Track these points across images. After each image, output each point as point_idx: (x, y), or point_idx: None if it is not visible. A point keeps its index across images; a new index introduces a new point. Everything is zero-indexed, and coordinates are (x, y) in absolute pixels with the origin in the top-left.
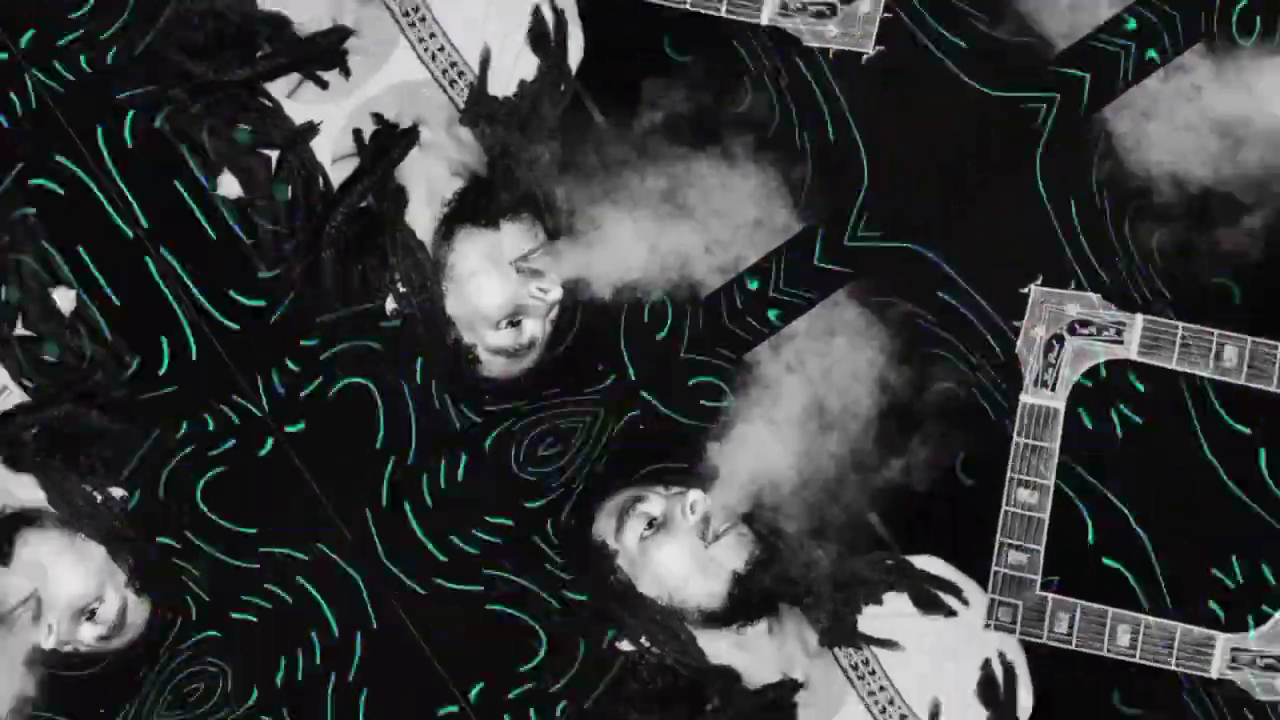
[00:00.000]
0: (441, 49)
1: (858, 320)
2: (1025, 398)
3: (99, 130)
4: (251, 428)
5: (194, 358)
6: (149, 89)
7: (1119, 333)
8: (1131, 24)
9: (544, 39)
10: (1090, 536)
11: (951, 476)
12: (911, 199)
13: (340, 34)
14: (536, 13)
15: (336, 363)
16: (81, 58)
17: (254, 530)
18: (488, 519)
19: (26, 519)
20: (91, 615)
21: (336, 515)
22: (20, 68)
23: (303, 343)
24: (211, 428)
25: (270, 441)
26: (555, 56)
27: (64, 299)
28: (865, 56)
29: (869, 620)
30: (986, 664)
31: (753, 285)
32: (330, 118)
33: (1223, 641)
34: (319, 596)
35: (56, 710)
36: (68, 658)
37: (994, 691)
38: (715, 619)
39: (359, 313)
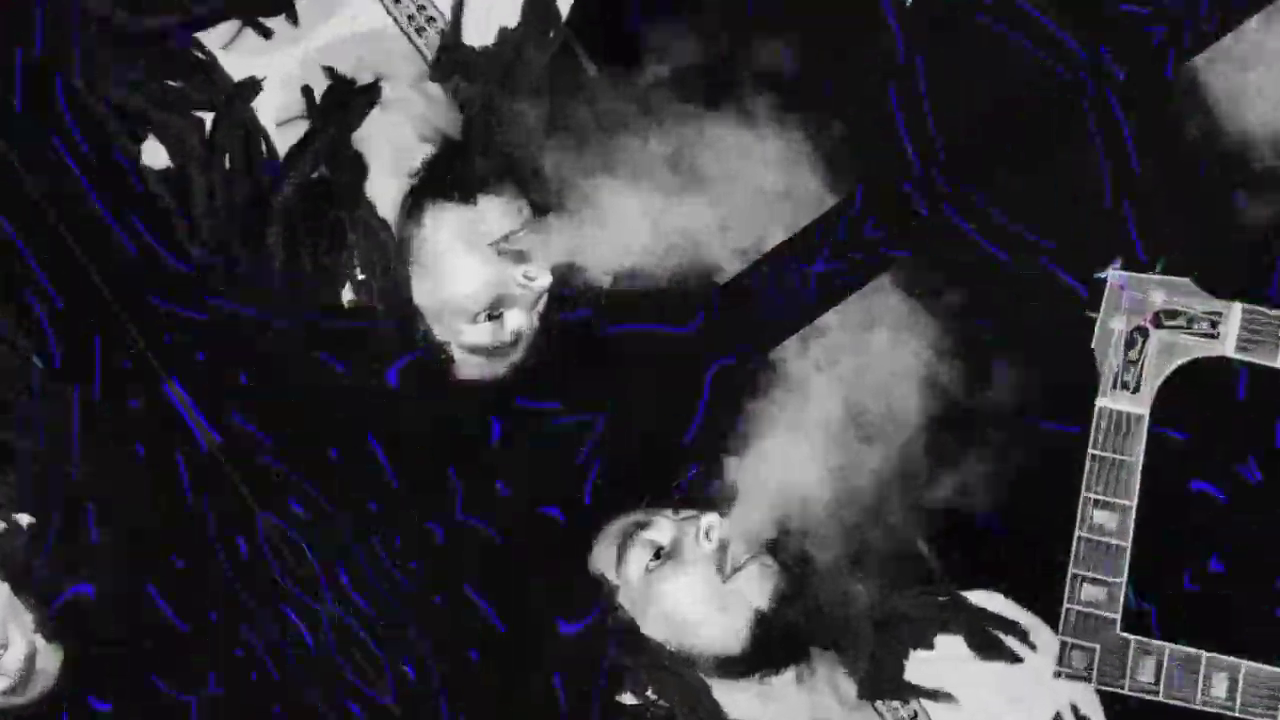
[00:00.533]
0: None
1: (901, 309)
2: (1102, 402)
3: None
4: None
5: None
6: (59, 36)
7: (1213, 325)
8: None
9: None
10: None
11: (1015, 496)
12: (965, 166)
13: None
14: None
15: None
16: None
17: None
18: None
19: None
20: None
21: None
22: None
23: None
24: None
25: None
26: None
27: None
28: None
29: (917, 667)
30: (1057, 719)
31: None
32: (274, 72)
33: None
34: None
35: None
36: None
37: None
38: (734, 666)
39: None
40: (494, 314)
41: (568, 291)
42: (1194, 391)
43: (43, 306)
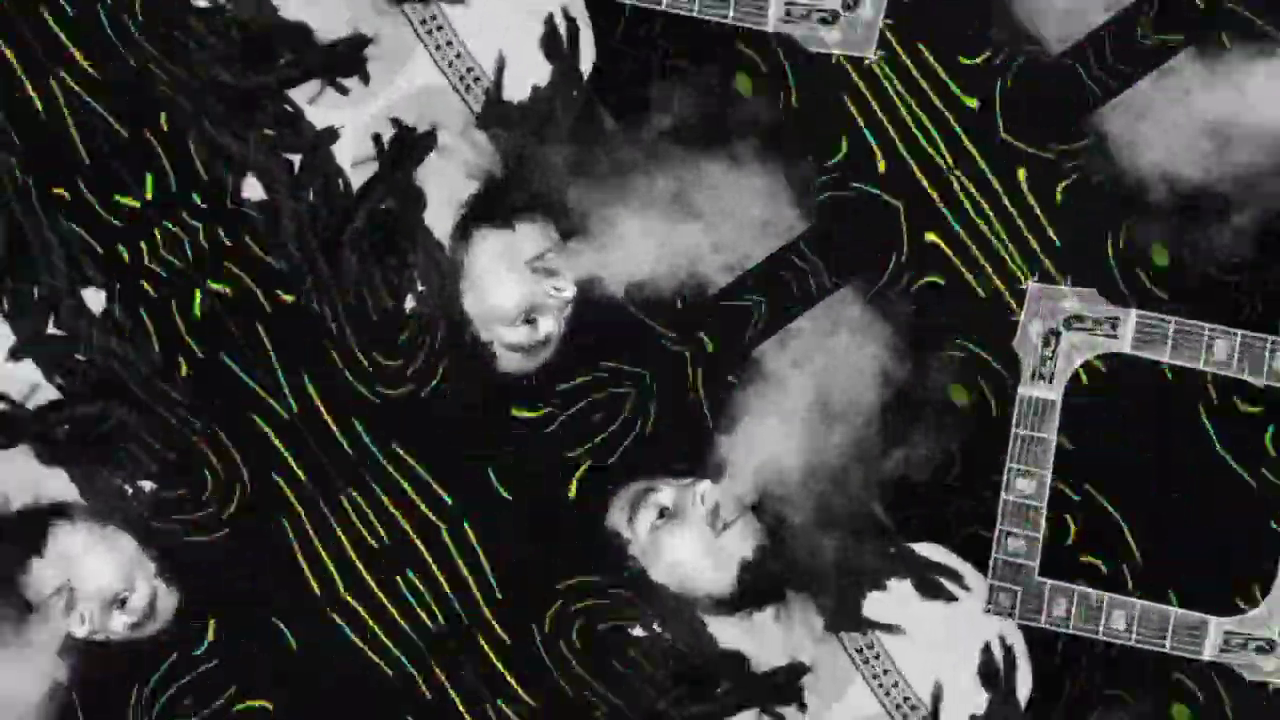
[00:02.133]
0: (458, 56)
1: (861, 317)
2: (1023, 390)
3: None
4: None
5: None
6: (179, 96)
7: (1114, 327)
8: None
9: (557, 46)
10: (1072, 530)
11: (953, 467)
12: (912, 199)
13: (359, 42)
14: (550, 21)
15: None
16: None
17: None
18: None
19: (58, 511)
20: (123, 604)
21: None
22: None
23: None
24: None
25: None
26: (568, 63)
27: (94, 299)
28: (867, 61)
29: (873, 606)
30: (987, 648)
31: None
32: (350, 123)
33: (1215, 625)
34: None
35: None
36: (100, 645)
37: (994, 674)
38: (724, 605)
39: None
40: (529, 319)
41: (593, 299)
42: (1098, 380)
43: (158, 314)
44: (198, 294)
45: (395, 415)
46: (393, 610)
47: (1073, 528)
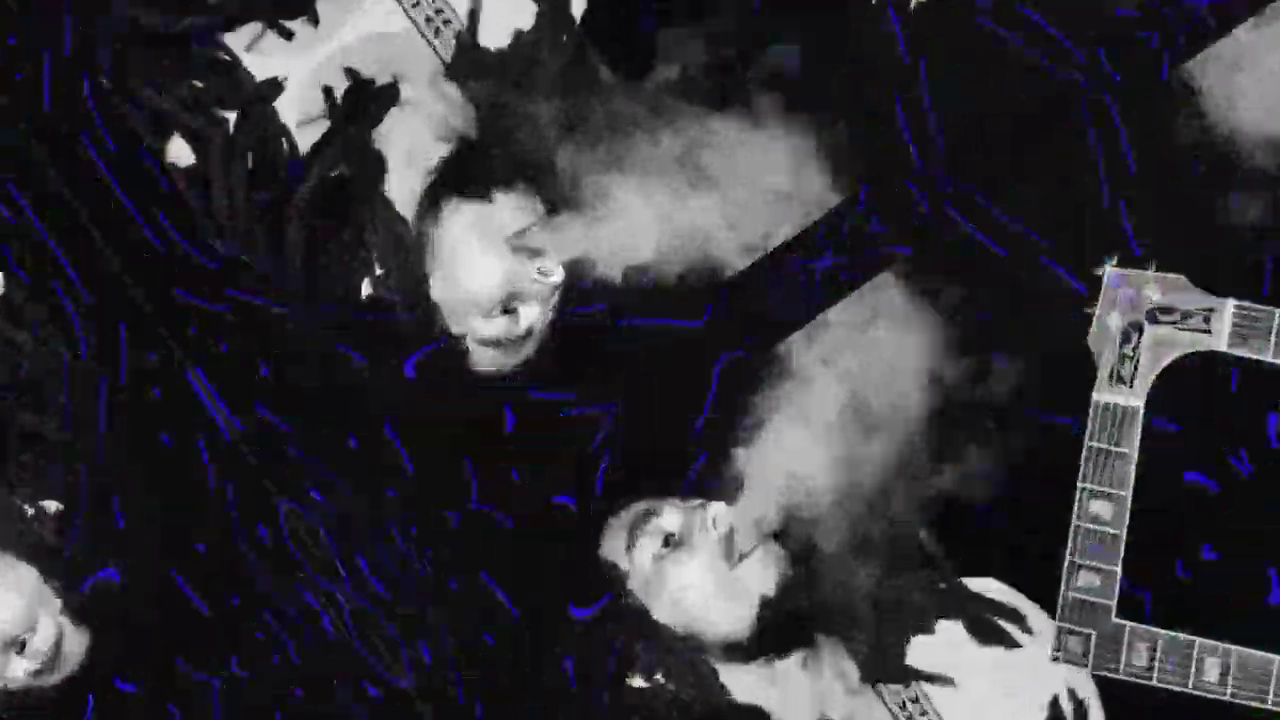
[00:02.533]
0: None
1: (904, 305)
2: (1098, 395)
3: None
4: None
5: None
6: (85, 34)
7: (1206, 320)
8: None
9: None
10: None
11: (1014, 486)
12: (966, 166)
13: None
14: None
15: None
16: None
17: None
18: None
19: None
20: (22, 648)
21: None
22: None
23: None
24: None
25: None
26: (556, 2)
27: None
28: (911, 3)
29: (918, 652)
30: (1054, 702)
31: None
32: (295, 73)
33: None
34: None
35: None
36: None
37: None
38: (740, 650)
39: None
40: (508, 308)
41: (583, 285)
42: (1188, 385)
43: (71, 300)
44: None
45: (351, 422)
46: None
47: None
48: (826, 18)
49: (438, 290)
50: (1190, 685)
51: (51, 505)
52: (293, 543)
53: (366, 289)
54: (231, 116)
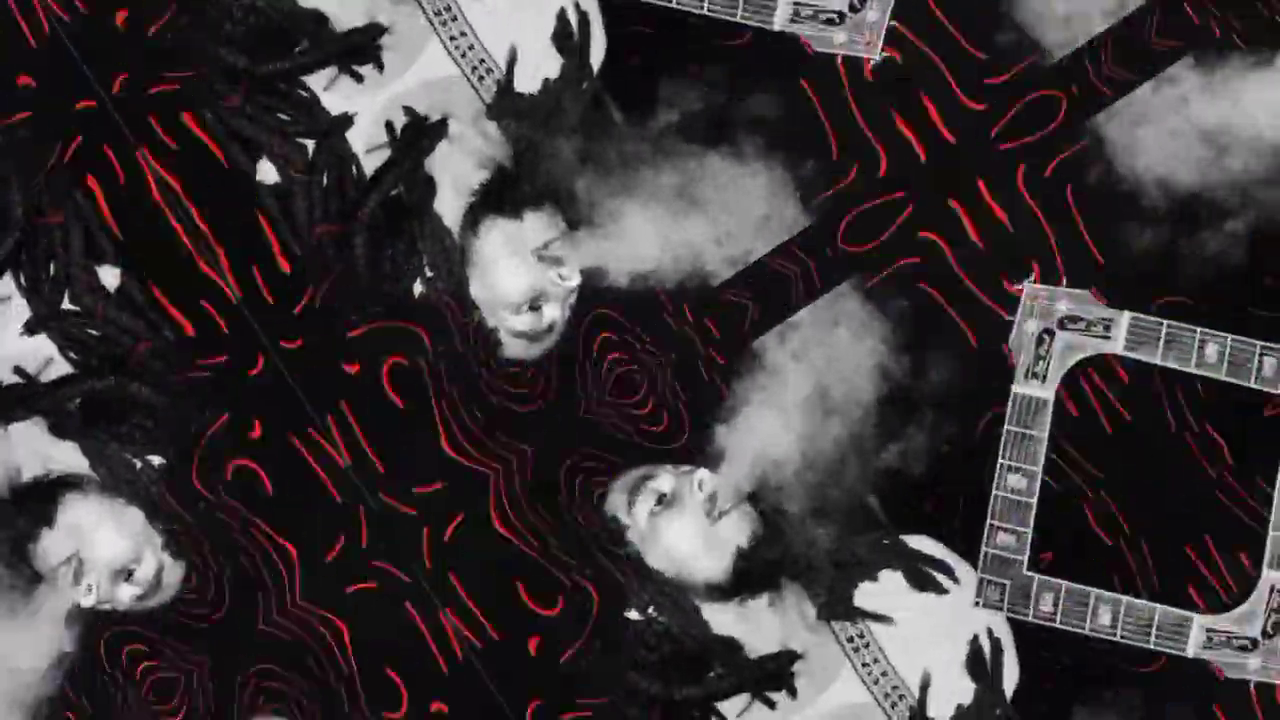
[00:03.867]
0: (471, 47)
1: (860, 312)
2: (1017, 388)
3: (144, 116)
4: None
5: (230, 335)
6: (194, 77)
7: (1107, 328)
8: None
9: (568, 40)
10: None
11: (946, 462)
12: (912, 199)
13: (375, 30)
14: (562, 15)
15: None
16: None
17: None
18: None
19: (69, 483)
20: (129, 576)
21: (366, 491)
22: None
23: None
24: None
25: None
26: (578, 56)
27: (109, 276)
28: (871, 62)
29: (865, 596)
30: (975, 640)
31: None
32: (364, 110)
33: (1198, 622)
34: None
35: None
36: (106, 615)
37: (981, 666)
38: (719, 592)
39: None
40: (534, 306)
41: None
42: (1088, 379)
43: (174, 293)
44: (218, 274)
45: (395, 396)
46: (398, 574)
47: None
48: (799, 75)
49: (476, 291)
50: (1087, 628)
51: (156, 459)
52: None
53: (418, 289)
54: (310, 144)
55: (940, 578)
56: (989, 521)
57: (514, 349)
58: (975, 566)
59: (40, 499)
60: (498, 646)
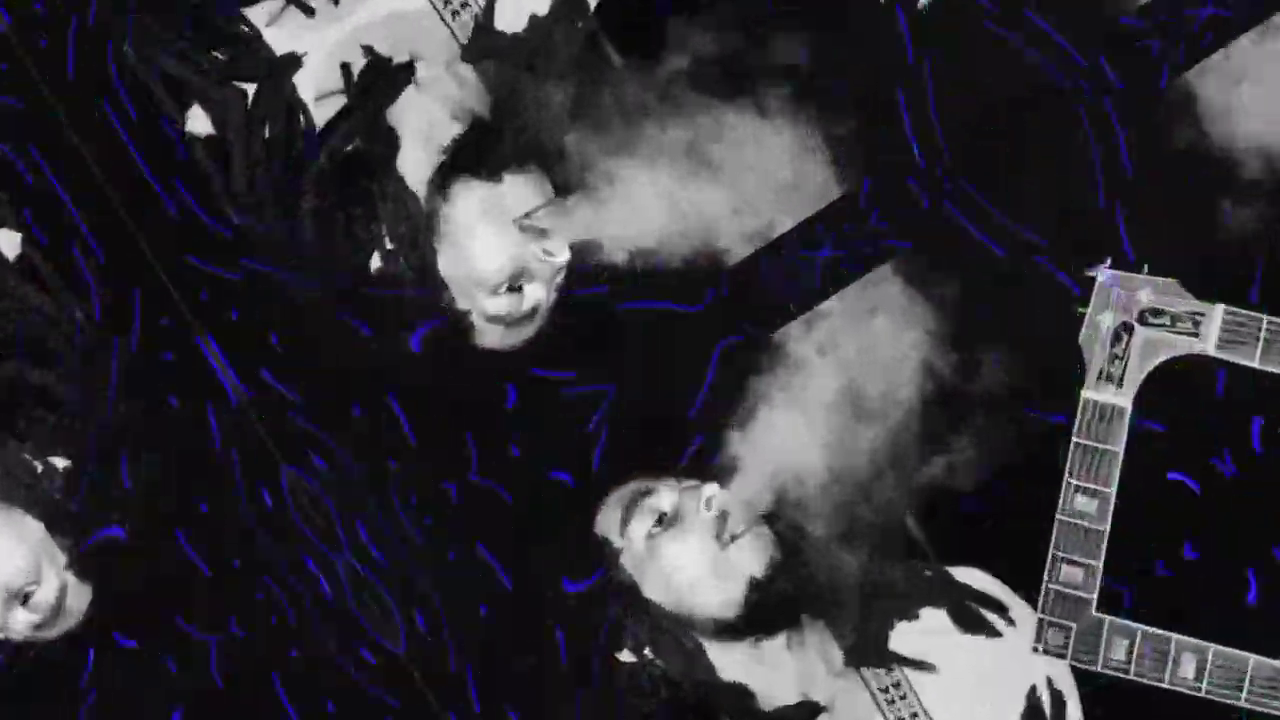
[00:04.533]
0: None
1: (901, 298)
2: (1088, 393)
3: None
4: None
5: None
6: (112, 6)
7: (1196, 324)
8: None
9: None
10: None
11: (1001, 479)
12: (967, 164)
13: None
14: None
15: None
16: None
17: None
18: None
19: None
20: (26, 600)
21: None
22: None
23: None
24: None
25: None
26: None
27: (8, 242)
28: (920, 3)
29: (901, 638)
30: (1033, 692)
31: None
32: (315, 49)
33: None
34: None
35: None
36: None
37: None
38: (728, 630)
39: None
40: (514, 286)
41: (584, 268)
42: (1175, 386)
43: (87, 262)
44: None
45: (355, 391)
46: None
47: None
48: (834, 14)
49: (446, 266)
50: (1167, 680)
51: (60, 462)
52: (295, 508)
53: (376, 263)
54: (251, 89)
55: (992, 618)
56: (1051, 551)
57: (489, 336)
58: (1034, 605)
59: None
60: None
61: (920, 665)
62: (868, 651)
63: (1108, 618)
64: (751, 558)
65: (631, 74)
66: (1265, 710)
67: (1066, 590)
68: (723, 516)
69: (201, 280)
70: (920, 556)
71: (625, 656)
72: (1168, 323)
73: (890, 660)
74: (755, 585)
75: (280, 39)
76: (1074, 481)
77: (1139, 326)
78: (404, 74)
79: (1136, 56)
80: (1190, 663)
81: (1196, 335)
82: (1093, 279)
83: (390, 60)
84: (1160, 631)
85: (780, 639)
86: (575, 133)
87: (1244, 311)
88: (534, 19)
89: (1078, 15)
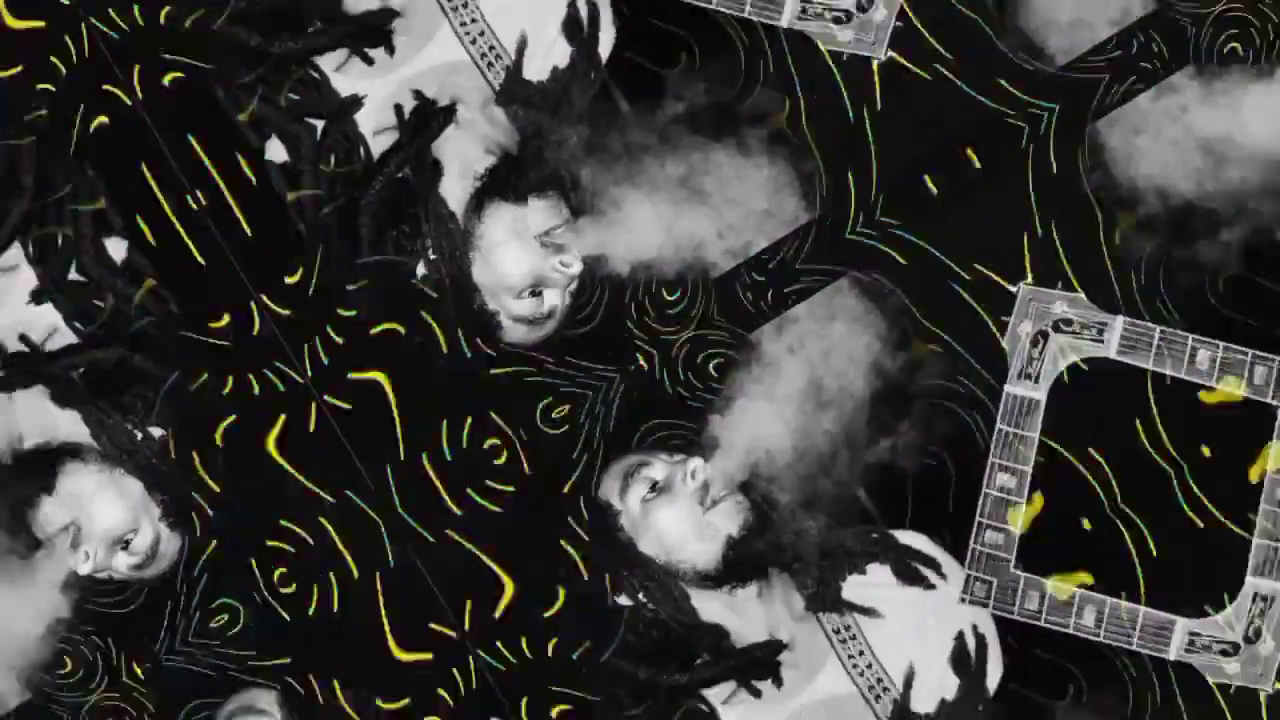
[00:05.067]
0: (481, 33)
1: (856, 308)
2: (1010, 388)
3: (142, 86)
4: (295, 395)
5: (249, 326)
6: (206, 55)
7: (1100, 332)
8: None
9: (577, 29)
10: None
11: (938, 458)
12: (913, 199)
13: (387, 15)
14: (572, 4)
15: (368, 308)
16: (135, 9)
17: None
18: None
19: (70, 452)
20: (126, 545)
21: (362, 466)
22: (78, 15)
23: (341, 311)
24: (258, 391)
25: (313, 407)
26: (587, 46)
27: (116, 248)
28: (876, 62)
29: (852, 589)
30: (960, 636)
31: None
32: (374, 92)
33: (1181, 625)
34: (339, 539)
35: (89, 634)
36: (102, 584)
37: (966, 662)
38: (709, 580)
39: (389, 263)
40: (535, 292)
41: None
42: (1081, 383)
43: (179, 267)
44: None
45: (404, 379)
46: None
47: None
48: (805, 73)
49: (478, 274)
50: (1071, 627)
51: (157, 431)
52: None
53: (421, 270)
54: (319, 125)
55: (928, 573)
56: (978, 519)
57: (515, 334)
58: (962, 563)
59: (41, 466)
60: (490, 631)
61: (868, 612)
62: (824, 600)
63: (1023, 574)
64: (729, 521)
65: (636, 118)
66: (1152, 653)
67: (990, 551)
68: (705, 486)
69: (272, 283)
70: (869, 522)
71: (623, 600)
72: (1077, 330)
73: (843, 607)
74: (732, 543)
75: (344, 83)
76: (997, 461)
77: (1053, 333)
78: (447, 115)
79: (1065, 103)
80: (1090, 613)
81: (1101, 342)
82: (1016, 293)
83: (435, 103)
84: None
85: (752, 588)
86: (588, 166)
87: (1141, 322)
88: (555, 71)
89: (1016, 67)
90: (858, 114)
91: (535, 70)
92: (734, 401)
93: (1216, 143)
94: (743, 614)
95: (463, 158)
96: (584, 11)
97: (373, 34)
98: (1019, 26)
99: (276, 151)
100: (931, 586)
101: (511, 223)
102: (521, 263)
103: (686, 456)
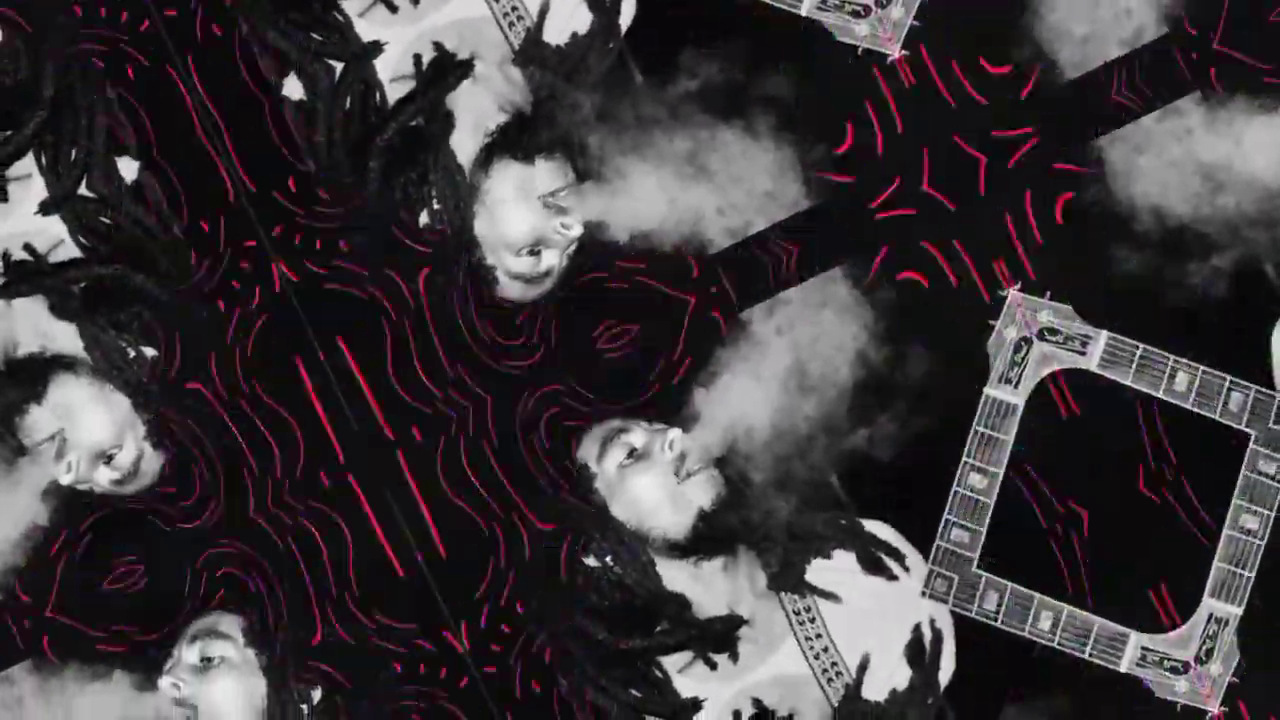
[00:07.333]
0: None
1: (848, 297)
2: (989, 391)
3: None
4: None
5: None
6: None
7: (1083, 344)
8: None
9: None
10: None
11: (912, 452)
12: (913, 197)
13: None
14: None
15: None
16: None
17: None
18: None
19: (62, 363)
20: (109, 460)
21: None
22: None
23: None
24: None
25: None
26: (608, 15)
27: (127, 168)
28: (889, 58)
29: (816, 572)
30: (917, 628)
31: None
32: (395, 40)
33: (1135, 639)
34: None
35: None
36: (81, 496)
37: (920, 654)
38: (676, 550)
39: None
40: (534, 251)
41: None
42: (1058, 391)
43: (185, 190)
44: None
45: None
46: (370, 513)
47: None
48: (817, 61)
49: (480, 228)
50: (1026, 630)
51: (150, 351)
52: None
53: (424, 219)
54: (339, 66)
55: (892, 564)
56: (945, 516)
57: (510, 290)
58: (927, 558)
59: (33, 374)
60: (450, 565)
61: (829, 596)
62: (787, 580)
63: (985, 574)
64: (702, 493)
65: (649, 91)
66: (1104, 663)
67: (954, 549)
68: (682, 457)
69: (278, 215)
70: (840, 508)
71: (590, 561)
72: (1060, 340)
73: (805, 589)
74: (703, 516)
75: (367, 29)
76: (970, 461)
77: (1037, 341)
78: (464, 69)
79: (1070, 116)
80: (1048, 618)
81: (1083, 354)
82: (1004, 298)
83: (454, 56)
84: (1026, 589)
85: (718, 562)
86: (598, 133)
87: (1124, 338)
88: (574, 36)
89: (1025, 74)
90: (864, 108)
91: (555, 33)
92: (718, 377)
93: (1216, 169)
94: (707, 586)
95: (476, 112)
96: None
97: None
98: (1033, 37)
99: (294, 88)
100: (894, 578)
101: (518, 181)
102: (524, 221)
103: (666, 426)
